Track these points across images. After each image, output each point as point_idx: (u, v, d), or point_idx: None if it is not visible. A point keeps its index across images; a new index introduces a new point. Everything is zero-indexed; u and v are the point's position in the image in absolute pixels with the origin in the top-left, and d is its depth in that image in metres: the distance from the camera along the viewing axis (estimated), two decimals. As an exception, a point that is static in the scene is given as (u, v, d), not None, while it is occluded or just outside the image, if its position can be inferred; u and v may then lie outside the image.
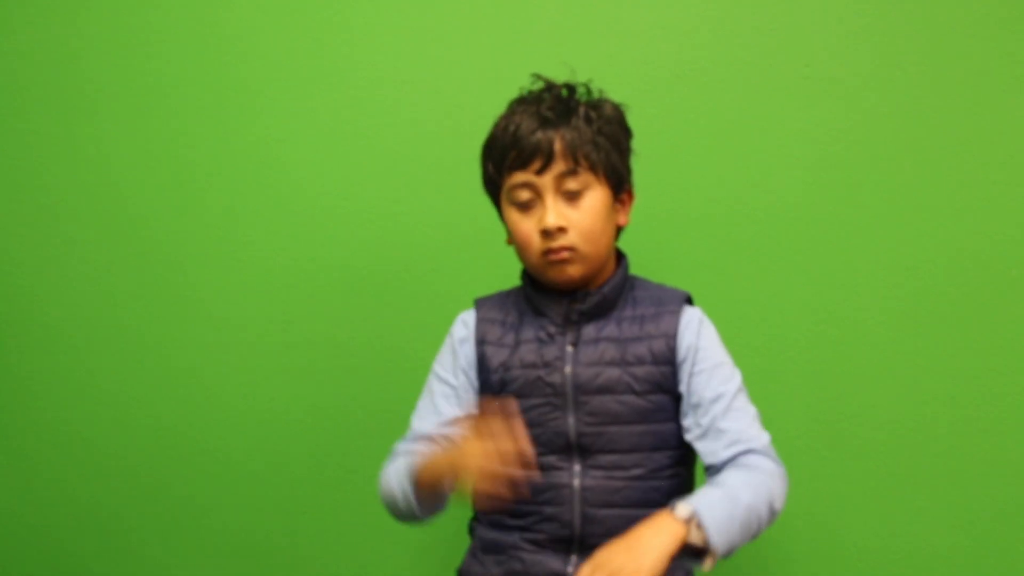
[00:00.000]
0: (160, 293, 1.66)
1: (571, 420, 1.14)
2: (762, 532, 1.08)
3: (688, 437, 1.15)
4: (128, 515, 1.69)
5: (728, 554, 1.03)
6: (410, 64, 1.60)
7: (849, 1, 1.50)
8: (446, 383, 1.23)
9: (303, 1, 1.62)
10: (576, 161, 1.13)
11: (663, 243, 1.53)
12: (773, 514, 1.09)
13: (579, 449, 1.15)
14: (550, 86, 1.20)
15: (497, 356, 1.20)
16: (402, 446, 1.22)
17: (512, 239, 1.20)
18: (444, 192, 1.58)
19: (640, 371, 1.15)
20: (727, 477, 1.08)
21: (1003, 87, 1.48)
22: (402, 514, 1.17)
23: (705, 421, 1.13)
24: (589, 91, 1.21)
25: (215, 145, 1.64)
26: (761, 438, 1.14)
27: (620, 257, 1.23)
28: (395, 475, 1.16)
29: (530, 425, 1.14)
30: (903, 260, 1.50)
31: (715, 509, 1.02)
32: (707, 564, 1.01)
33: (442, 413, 1.21)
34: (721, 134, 1.53)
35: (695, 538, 1.00)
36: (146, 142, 1.66)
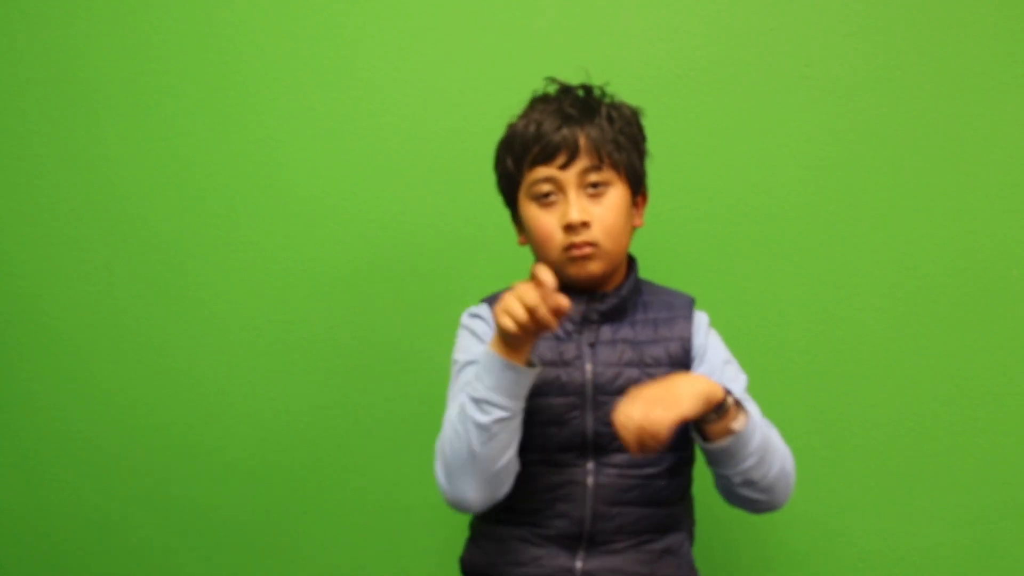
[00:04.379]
0: (161, 293, 1.66)
1: (589, 419, 1.14)
2: (772, 487, 1.10)
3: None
4: (128, 514, 1.69)
5: (745, 450, 1.06)
6: (411, 64, 1.60)
7: (849, 1, 1.51)
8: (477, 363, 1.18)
9: (303, 1, 1.62)
10: (600, 158, 1.14)
11: (663, 243, 1.53)
12: (787, 478, 1.12)
13: (594, 448, 1.14)
14: (566, 88, 1.20)
15: None
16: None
17: (530, 236, 1.19)
18: (445, 193, 1.58)
19: (658, 373, 1.15)
20: None
21: (1003, 87, 1.48)
22: (486, 444, 1.06)
23: None
24: (604, 93, 1.21)
25: (215, 145, 1.64)
26: (773, 426, 1.15)
27: (630, 260, 1.24)
28: (459, 409, 1.09)
29: (548, 423, 1.14)
30: (903, 260, 1.50)
31: (747, 401, 1.10)
32: (739, 421, 1.05)
33: None
34: (721, 134, 1.53)
35: (729, 403, 1.05)
36: (146, 142, 1.66)
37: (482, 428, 1.07)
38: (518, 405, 1.08)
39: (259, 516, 1.65)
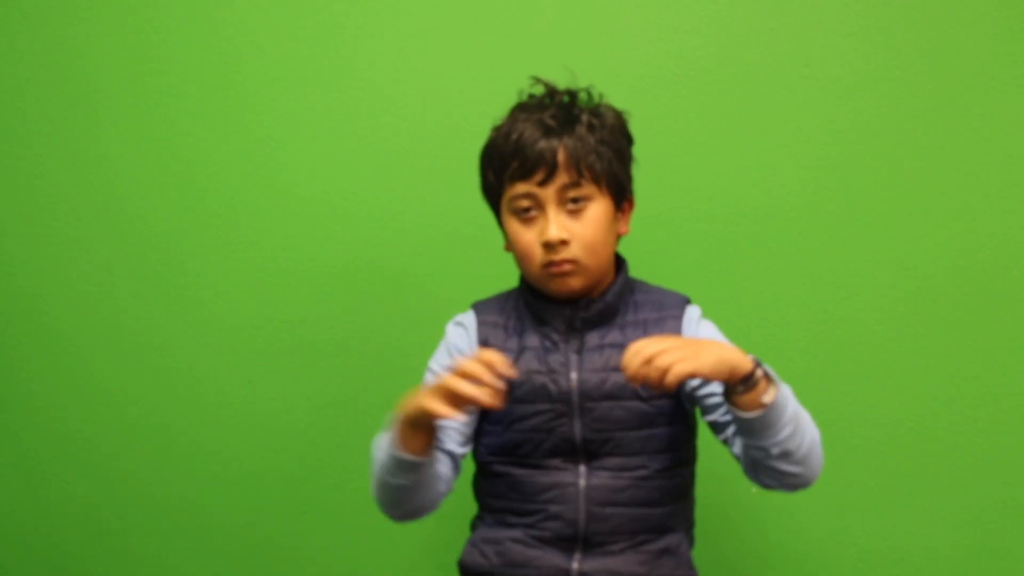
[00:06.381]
0: (160, 293, 1.66)
1: (577, 426, 1.14)
2: (806, 458, 1.07)
3: (723, 436, 1.15)
4: (128, 514, 1.69)
5: (780, 420, 1.03)
6: (410, 64, 1.60)
7: (849, 1, 1.51)
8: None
9: (303, 1, 1.62)
10: (579, 172, 1.12)
11: (664, 244, 1.53)
12: (818, 450, 1.09)
13: (585, 453, 1.14)
14: (551, 91, 1.18)
15: None
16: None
17: (512, 248, 1.18)
18: (444, 192, 1.58)
19: None
20: None
21: (1003, 87, 1.48)
22: (393, 493, 1.14)
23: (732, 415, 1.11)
24: (591, 96, 1.19)
25: (215, 145, 1.64)
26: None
27: (619, 262, 1.22)
28: (378, 451, 1.15)
29: (535, 431, 1.14)
30: (903, 260, 1.50)
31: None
32: (769, 395, 1.02)
33: None
34: (721, 134, 1.53)
35: (758, 377, 1.02)
36: (146, 142, 1.66)
37: (388, 486, 1.13)
38: (416, 475, 1.11)
39: (259, 516, 1.65)
